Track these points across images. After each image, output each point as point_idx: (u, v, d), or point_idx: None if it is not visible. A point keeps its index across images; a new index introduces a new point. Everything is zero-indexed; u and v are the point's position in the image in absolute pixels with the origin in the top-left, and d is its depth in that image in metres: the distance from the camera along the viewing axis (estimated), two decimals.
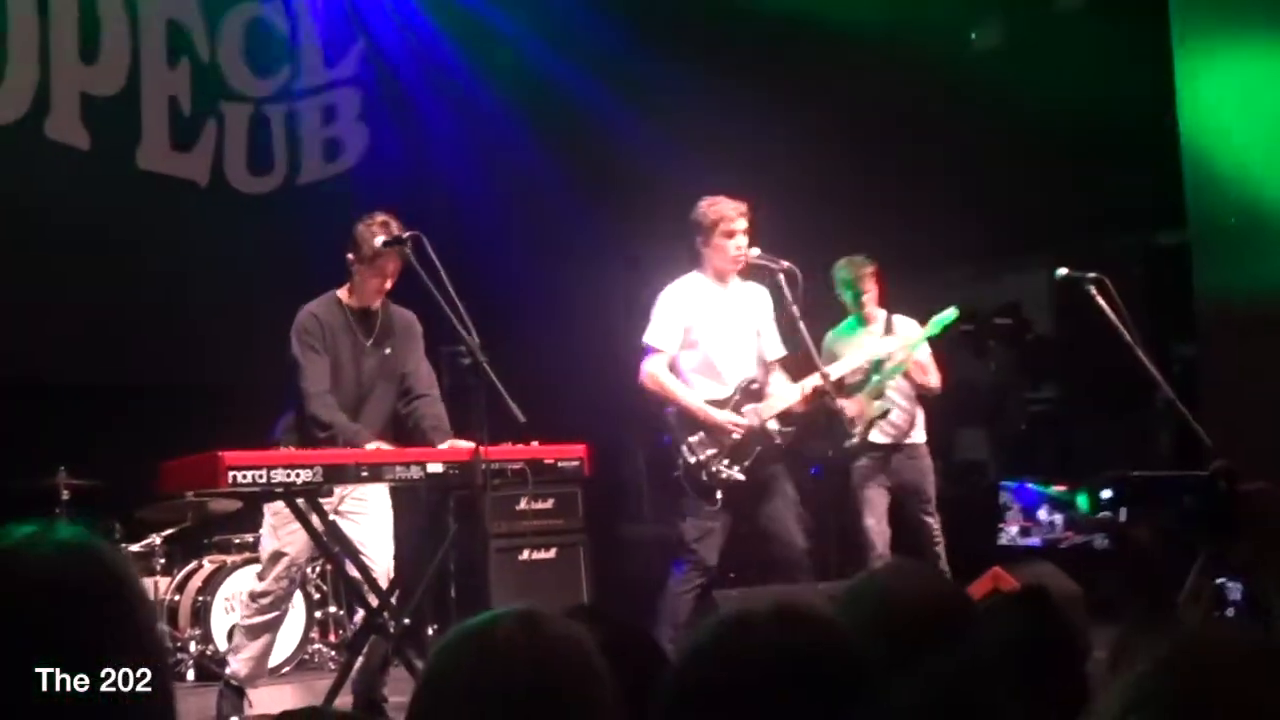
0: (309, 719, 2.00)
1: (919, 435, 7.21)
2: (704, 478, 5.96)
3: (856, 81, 8.64)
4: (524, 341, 8.44)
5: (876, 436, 7.08)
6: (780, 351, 6.23)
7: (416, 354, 5.79)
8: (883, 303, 7.26)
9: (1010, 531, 1.82)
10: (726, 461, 5.98)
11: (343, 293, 5.69)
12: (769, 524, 5.98)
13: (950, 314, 6.92)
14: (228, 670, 5.71)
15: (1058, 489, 1.85)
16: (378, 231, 5.51)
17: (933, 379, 7.18)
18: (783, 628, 1.56)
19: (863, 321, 7.27)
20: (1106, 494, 1.87)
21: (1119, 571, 2.06)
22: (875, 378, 6.97)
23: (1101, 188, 8.20)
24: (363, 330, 5.66)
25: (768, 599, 1.64)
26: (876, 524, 6.96)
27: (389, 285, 5.63)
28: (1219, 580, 2.03)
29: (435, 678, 1.69)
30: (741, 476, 5.96)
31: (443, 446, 5.36)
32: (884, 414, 7.01)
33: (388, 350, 5.70)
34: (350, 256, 5.60)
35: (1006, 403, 8.20)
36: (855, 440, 6.68)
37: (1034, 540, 1.87)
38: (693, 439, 6.00)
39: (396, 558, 5.67)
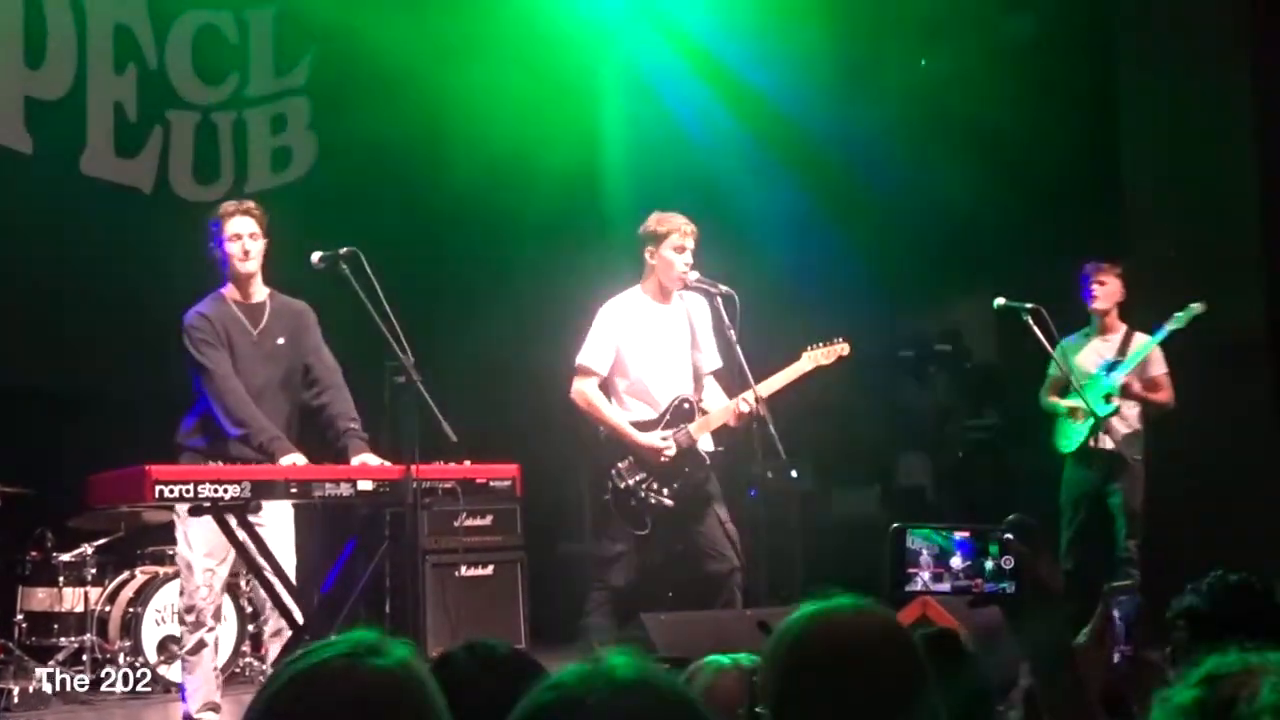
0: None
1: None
2: (632, 503, 5.97)
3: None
4: (471, 354, 8.42)
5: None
6: (717, 363, 6.24)
7: (314, 343, 5.76)
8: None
9: (923, 578, 1.83)
10: (655, 485, 5.99)
11: (226, 290, 5.69)
12: (701, 540, 6.01)
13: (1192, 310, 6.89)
14: (183, 712, 5.63)
15: (961, 535, 1.85)
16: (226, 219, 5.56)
17: (1163, 395, 7.10)
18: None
19: (1099, 330, 7.19)
20: (1009, 537, 1.87)
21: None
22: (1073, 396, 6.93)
23: (1045, 219, 8.28)
24: (251, 323, 5.65)
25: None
26: None
27: (250, 260, 5.59)
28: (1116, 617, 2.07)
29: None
30: (670, 502, 5.98)
31: (355, 460, 5.35)
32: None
33: (280, 340, 5.68)
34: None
35: (946, 429, 8.24)
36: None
37: (944, 586, 1.88)
38: (621, 464, 6.00)
39: (296, 571, 5.62)
